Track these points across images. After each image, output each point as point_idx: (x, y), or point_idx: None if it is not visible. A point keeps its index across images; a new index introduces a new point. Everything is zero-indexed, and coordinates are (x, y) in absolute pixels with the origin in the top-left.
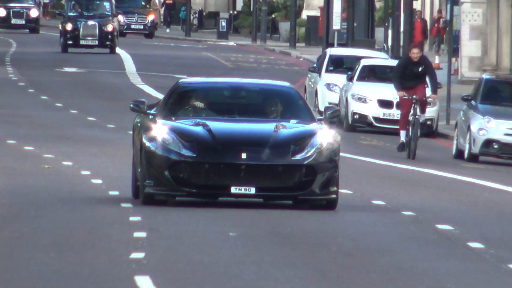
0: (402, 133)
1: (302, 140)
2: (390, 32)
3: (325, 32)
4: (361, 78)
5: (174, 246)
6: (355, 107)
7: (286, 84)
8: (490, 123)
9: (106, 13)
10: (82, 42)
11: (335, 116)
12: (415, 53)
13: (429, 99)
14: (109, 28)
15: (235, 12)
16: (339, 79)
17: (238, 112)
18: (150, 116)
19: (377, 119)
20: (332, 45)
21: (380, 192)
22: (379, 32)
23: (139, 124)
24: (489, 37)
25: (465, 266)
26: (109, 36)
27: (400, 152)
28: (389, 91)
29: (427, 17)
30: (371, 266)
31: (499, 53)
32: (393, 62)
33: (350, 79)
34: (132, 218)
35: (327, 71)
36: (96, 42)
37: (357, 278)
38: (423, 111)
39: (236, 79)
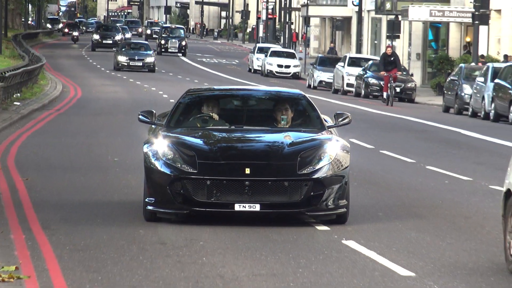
0: (384, 93)
1: (309, 152)
2: (282, 37)
3: (256, 36)
4: (271, 55)
5: None
6: (268, 67)
7: (297, 91)
8: (321, 73)
9: (181, 35)
10: (169, 50)
11: (346, 123)
12: (388, 50)
13: (398, 74)
14: (183, 43)
15: (220, 28)
16: (262, 56)
17: (247, 121)
18: (157, 127)
19: (277, 72)
20: (259, 42)
21: None
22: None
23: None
24: (320, 39)
25: None
26: (183, 48)
27: (383, 103)
28: (282, 61)
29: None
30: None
31: (325, 46)
32: (285, 49)
33: (266, 56)
34: None
35: (257, 53)
36: (177, 51)
37: None
38: (394, 81)
39: (245, 86)
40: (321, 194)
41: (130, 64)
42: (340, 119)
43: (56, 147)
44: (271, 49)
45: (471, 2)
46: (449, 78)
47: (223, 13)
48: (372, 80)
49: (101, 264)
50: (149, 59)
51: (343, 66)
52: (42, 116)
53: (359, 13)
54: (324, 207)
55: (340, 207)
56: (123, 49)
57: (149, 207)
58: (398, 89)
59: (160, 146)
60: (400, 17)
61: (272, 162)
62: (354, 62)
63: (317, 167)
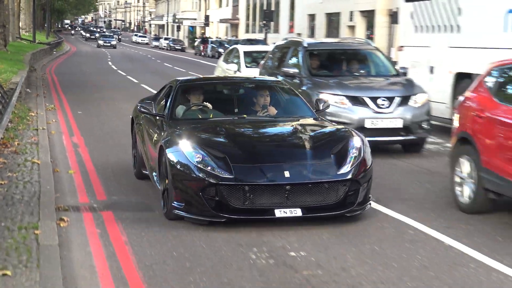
0: (203, 53)
1: (338, 148)
2: (142, 30)
3: (133, 30)
4: (138, 36)
5: None
6: (137, 40)
7: (275, 78)
8: (156, 42)
9: (119, 34)
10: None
11: (327, 108)
12: (204, 36)
13: (206, 46)
14: (120, 37)
15: (122, 28)
16: (136, 37)
17: (241, 109)
18: (159, 119)
19: (140, 42)
20: (134, 32)
21: None
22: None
23: (142, 121)
24: (156, 31)
25: None
26: (120, 39)
27: (198, 54)
28: (142, 38)
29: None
30: None
31: (156, 34)
32: (143, 34)
33: (136, 36)
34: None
35: (134, 36)
36: (115, 42)
37: None
38: (205, 49)
39: (231, 76)
40: (356, 193)
41: (104, 44)
42: (322, 105)
43: (68, 66)
44: (138, 34)
45: (204, 19)
46: (196, 43)
47: (123, 24)
48: (171, 44)
49: (87, 105)
50: (114, 42)
51: (162, 40)
52: (63, 57)
53: (167, 23)
54: (358, 205)
55: (367, 202)
56: (101, 37)
57: (178, 212)
58: (180, 47)
59: (185, 147)
60: (181, 24)
61: (310, 162)
62: (166, 39)
63: (353, 165)
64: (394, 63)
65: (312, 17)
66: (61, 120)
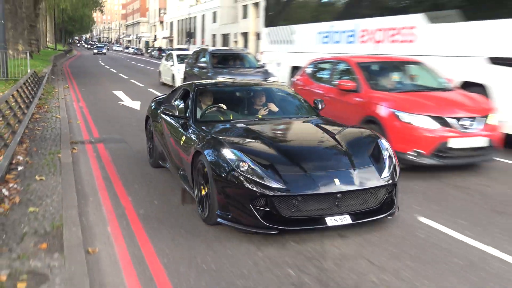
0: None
1: (372, 150)
2: (118, 43)
3: (113, 43)
4: (115, 47)
5: None
6: (116, 49)
7: (276, 81)
8: (126, 50)
9: (106, 46)
10: (102, 51)
11: (324, 107)
12: (156, 44)
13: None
14: (108, 48)
15: (107, 43)
16: (115, 47)
17: (248, 109)
18: (183, 120)
19: (116, 50)
20: (114, 44)
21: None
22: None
23: (160, 120)
24: (128, 44)
25: None
26: (108, 49)
27: (152, 57)
28: (119, 48)
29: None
30: None
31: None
32: (119, 46)
33: (117, 46)
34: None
35: (114, 46)
36: (105, 51)
37: None
38: (160, 51)
39: (240, 80)
40: (392, 195)
41: (98, 52)
42: (320, 104)
43: (76, 63)
44: (116, 45)
45: (154, 36)
46: (149, 50)
47: (107, 39)
48: (135, 51)
49: (87, 85)
50: (104, 51)
51: (130, 48)
52: (73, 58)
53: (133, 39)
54: (395, 206)
55: (396, 201)
56: (96, 47)
57: (222, 221)
58: (140, 53)
59: (228, 154)
60: (140, 39)
61: (354, 167)
62: (132, 48)
63: (390, 168)
64: (258, 61)
65: (214, 36)
66: (72, 94)
